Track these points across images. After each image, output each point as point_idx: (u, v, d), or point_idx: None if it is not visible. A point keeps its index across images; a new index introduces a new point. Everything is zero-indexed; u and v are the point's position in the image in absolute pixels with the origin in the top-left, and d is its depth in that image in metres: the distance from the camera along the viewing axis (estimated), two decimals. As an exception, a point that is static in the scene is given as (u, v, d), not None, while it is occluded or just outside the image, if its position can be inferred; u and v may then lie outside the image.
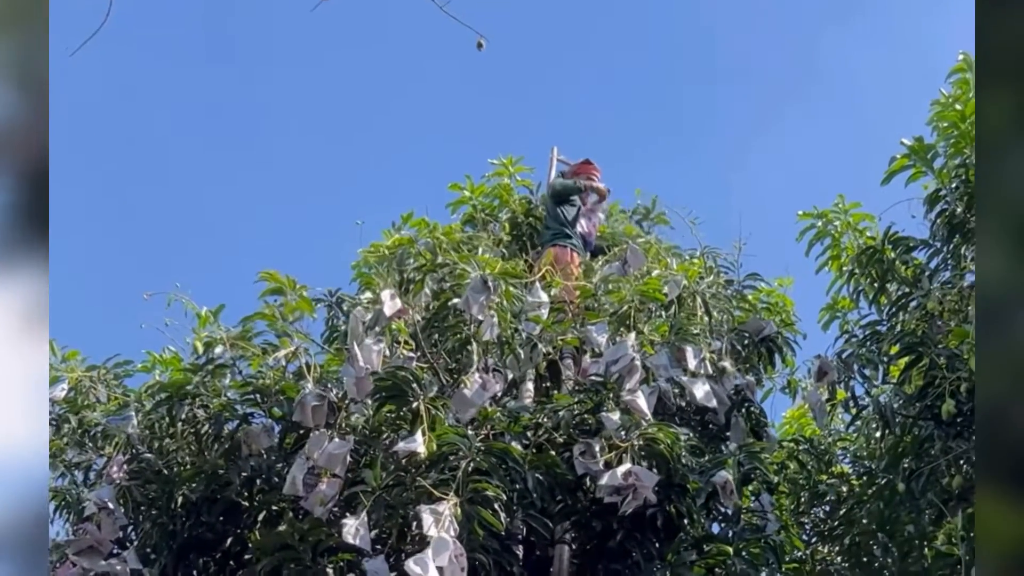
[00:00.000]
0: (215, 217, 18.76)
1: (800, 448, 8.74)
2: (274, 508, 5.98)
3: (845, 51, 18.98)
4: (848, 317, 9.08)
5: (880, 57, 18.87)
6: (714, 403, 6.60)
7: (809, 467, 9.05)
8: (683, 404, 7.12)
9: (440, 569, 5.00)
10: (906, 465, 7.53)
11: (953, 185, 7.82)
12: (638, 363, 6.17)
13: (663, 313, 7.11)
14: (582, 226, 8.46)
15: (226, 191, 18.78)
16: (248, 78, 18.46)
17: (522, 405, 6.51)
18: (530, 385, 7.03)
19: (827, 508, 9.26)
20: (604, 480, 5.66)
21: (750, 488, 7.27)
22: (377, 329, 5.91)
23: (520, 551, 6.22)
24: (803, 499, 9.20)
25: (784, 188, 18.14)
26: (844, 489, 9.07)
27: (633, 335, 6.35)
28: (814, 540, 9.23)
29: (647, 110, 19.32)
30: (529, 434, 6.11)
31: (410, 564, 4.91)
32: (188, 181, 18.61)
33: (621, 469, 5.68)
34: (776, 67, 19.58)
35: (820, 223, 8.91)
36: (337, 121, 18.89)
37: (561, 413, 6.24)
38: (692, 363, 6.56)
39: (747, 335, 7.61)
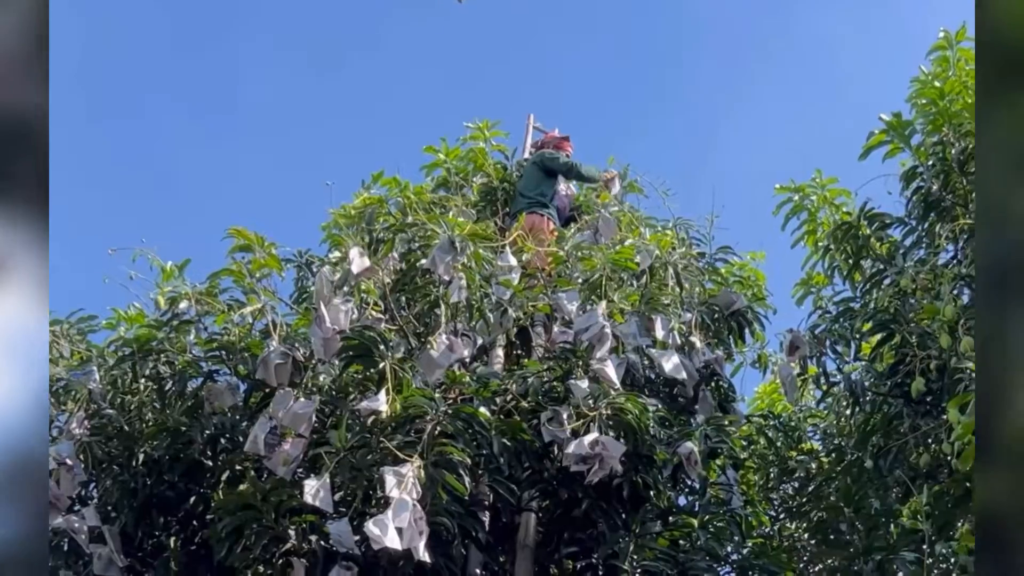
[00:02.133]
0: (187, 173, 18.55)
1: (769, 424, 8.75)
2: (238, 468, 5.92)
3: (821, 19, 18.92)
4: (822, 293, 9.08)
5: (857, 25, 18.83)
6: (683, 375, 6.56)
7: (778, 443, 9.07)
8: (652, 376, 7.11)
9: (399, 531, 4.95)
10: (875, 442, 7.53)
11: (930, 163, 7.79)
12: (608, 331, 6.11)
13: (634, 283, 7.05)
14: (559, 198, 8.41)
15: (199, 147, 18.56)
16: (225, 30, 18.21)
17: (491, 371, 6.46)
18: (500, 352, 6.99)
19: (796, 485, 9.30)
20: (571, 449, 5.61)
21: (717, 463, 7.28)
22: (345, 289, 5.84)
23: (486, 517, 6.18)
24: (772, 475, 9.24)
25: (760, 160, 18.14)
26: (813, 466, 9.09)
27: (604, 303, 6.29)
28: (782, 516, 9.27)
29: (621, 76, 19.24)
30: (497, 400, 6.06)
31: (369, 526, 4.87)
32: (160, 135, 18.38)
33: (588, 438, 5.64)
34: (752, 34, 19.48)
35: (797, 197, 8.88)
36: (312, 79, 18.72)
37: (530, 380, 6.19)
38: (661, 333, 6.52)
39: (717, 308, 7.58)
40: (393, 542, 4.88)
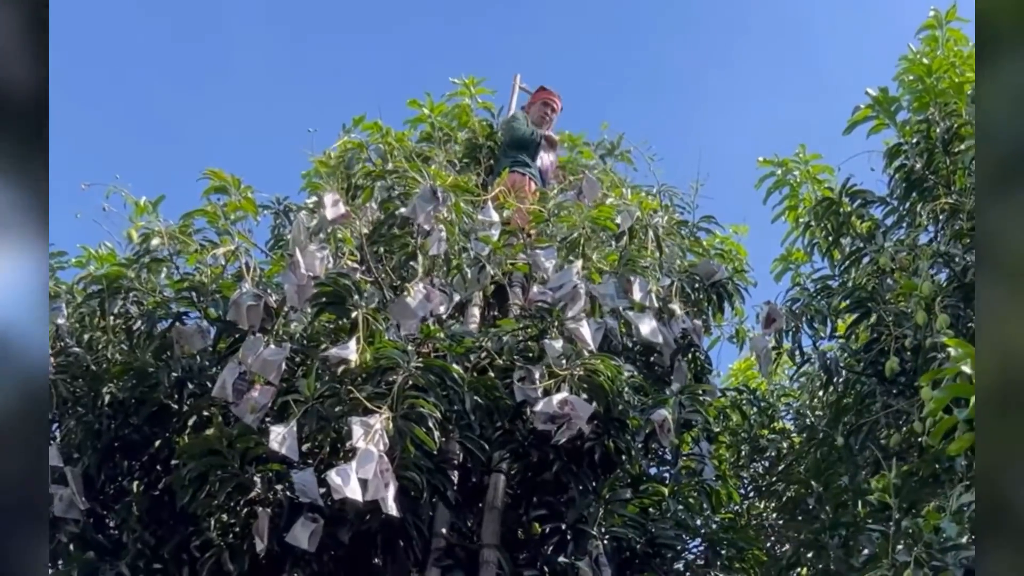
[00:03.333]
0: (169, 118, 18.32)
1: (743, 397, 8.71)
2: (205, 414, 5.82)
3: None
4: (801, 270, 9.06)
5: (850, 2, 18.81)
6: (660, 340, 6.50)
7: (751, 419, 9.05)
8: (630, 344, 7.06)
9: (364, 482, 4.88)
10: (847, 421, 7.52)
11: (915, 140, 7.74)
12: (581, 290, 6.03)
13: (614, 243, 6.98)
14: (541, 159, 8.32)
15: (182, 89, 18.31)
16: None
17: (466, 329, 6.39)
18: (476, 311, 6.91)
19: (767, 463, 9.30)
20: (539, 407, 5.54)
21: (691, 435, 7.26)
22: (322, 236, 5.73)
23: (456, 476, 6.12)
24: (743, 452, 9.22)
25: (748, 133, 18.08)
26: (785, 445, 9.09)
27: (580, 262, 6.20)
28: (752, 495, 9.26)
29: (612, 46, 19.12)
30: (471, 357, 5.98)
31: (331, 475, 4.79)
32: (143, 75, 18.13)
33: (557, 397, 5.56)
34: (743, 8, 19.40)
35: (780, 172, 8.84)
36: (298, 24, 18.50)
37: (505, 338, 6.12)
38: (638, 295, 6.44)
39: (698, 278, 7.52)
40: (354, 493, 4.81)
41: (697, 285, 7.54)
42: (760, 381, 10.17)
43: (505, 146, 8.23)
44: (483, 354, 6.03)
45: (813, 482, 7.78)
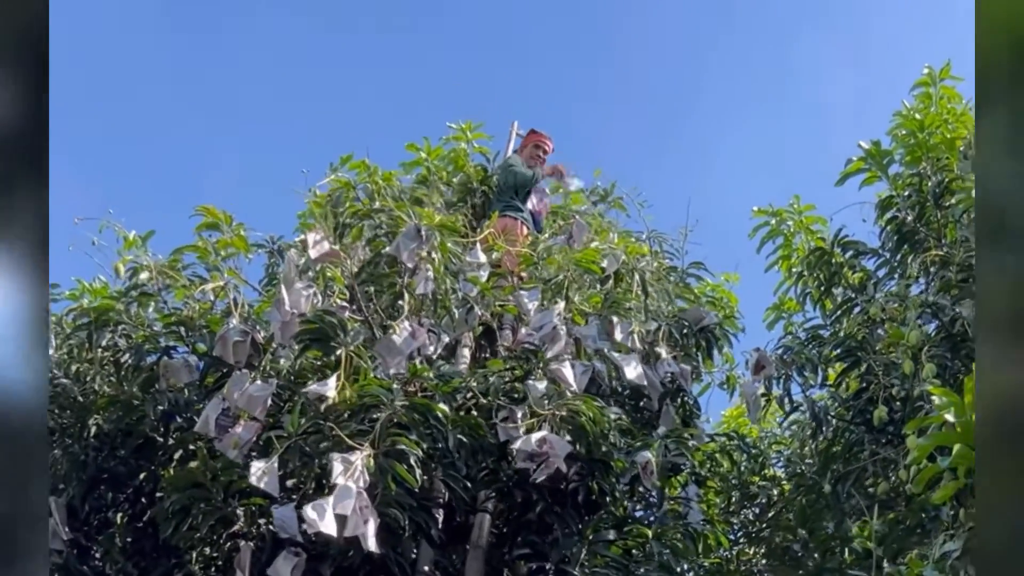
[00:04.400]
0: (170, 156, 18.45)
1: (731, 444, 8.72)
2: (191, 447, 5.86)
3: (815, 50, 19.08)
4: (793, 319, 9.10)
5: (849, 58, 19.00)
6: (645, 383, 6.55)
7: (741, 466, 9.06)
8: (618, 388, 7.10)
9: (342, 518, 4.91)
10: (835, 468, 7.53)
11: (906, 193, 7.81)
12: (562, 331, 6.09)
13: (599, 286, 7.04)
14: (532, 203, 8.39)
15: (184, 128, 18.44)
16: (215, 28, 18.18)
17: (455, 369, 6.43)
18: (467, 352, 6.96)
19: (757, 510, 9.30)
20: (518, 445, 5.59)
21: (680, 479, 7.28)
22: (311, 274, 5.80)
23: (440, 515, 6.14)
24: (734, 499, 9.23)
25: (746, 182, 18.19)
26: (775, 492, 9.09)
27: (562, 304, 6.27)
28: (741, 540, 9.25)
29: (618, 94, 19.31)
30: (458, 397, 6.03)
31: (307, 509, 4.82)
32: (147, 116, 18.29)
33: (536, 436, 5.62)
34: (746, 60, 19.59)
35: (774, 221, 8.90)
36: (302, 68, 18.68)
37: (491, 379, 6.17)
38: (620, 336, 6.49)
39: (686, 323, 7.57)
40: (329, 527, 4.84)
41: (685, 330, 7.59)
42: (751, 428, 10.20)
43: (499, 190, 8.31)
44: (469, 394, 6.09)
45: (800, 529, 7.77)
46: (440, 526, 6.06)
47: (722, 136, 19.40)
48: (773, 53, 19.84)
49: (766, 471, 9.40)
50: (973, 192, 6.91)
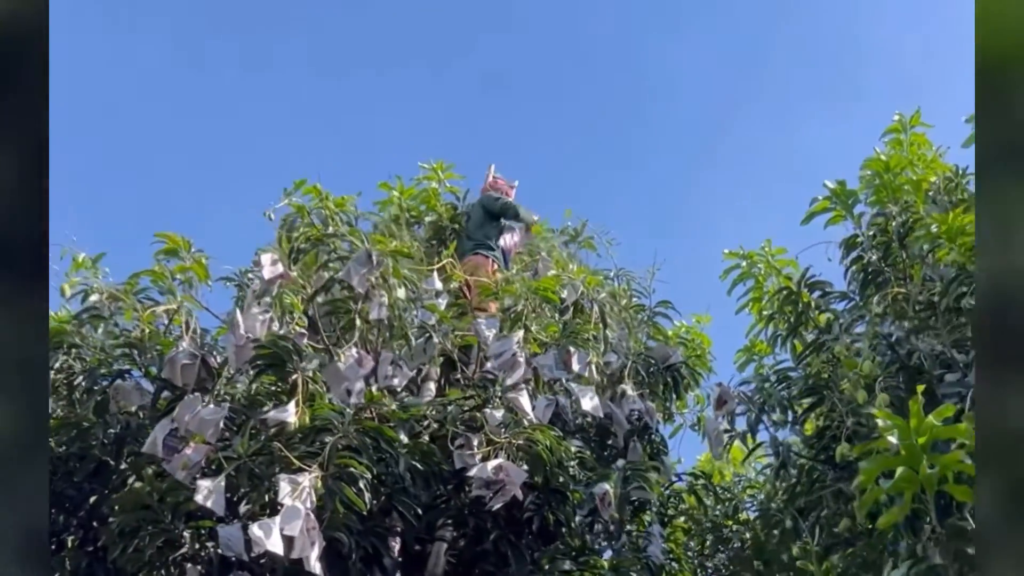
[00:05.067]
0: (154, 181, 18.44)
1: (699, 483, 8.70)
2: (143, 471, 5.86)
3: (786, 89, 19.28)
4: (764, 361, 9.12)
5: (822, 101, 19.19)
6: (601, 414, 6.56)
7: (710, 506, 9.03)
8: (584, 424, 7.12)
9: (290, 539, 4.91)
10: (798, 504, 7.50)
11: (871, 233, 7.85)
12: (521, 359, 6.13)
13: (558, 316, 7.08)
14: (504, 241, 8.47)
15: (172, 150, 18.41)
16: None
17: (417, 400, 6.46)
18: (432, 386, 6.99)
19: (731, 554, 9.24)
20: (474, 471, 5.60)
21: (646, 516, 7.28)
22: (268, 300, 5.84)
23: (397, 544, 6.13)
24: (707, 543, 9.18)
25: (719, 224, 18.29)
26: (748, 536, 9.04)
27: (521, 332, 6.31)
28: (716, 586, 9.19)
29: (590, 139, 19.48)
30: (416, 426, 6.05)
31: (253, 528, 4.82)
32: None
33: (492, 463, 5.63)
34: (718, 102, 19.78)
35: (744, 264, 8.95)
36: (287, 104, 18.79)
37: (450, 408, 6.19)
38: (577, 367, 6.52)
39: (653, 360, 7.61)
40: (276, 547, 4.83)
41: (652, 368, 7.62)
42: (726, 473, 10.19)
43: (470, 228, 8.39)
44: (427, 423, 6.11)
45: (756, 561, 7.74)
46: (395, 555, 6.06)
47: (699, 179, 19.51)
48: (744, 94, 19.99)
49: (740, 515, 9.37)
50: (934, 230, 6.98)
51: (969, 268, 6.73)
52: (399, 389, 6.30)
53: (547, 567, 6.24)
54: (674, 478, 8.36)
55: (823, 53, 19.84)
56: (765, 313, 8.83)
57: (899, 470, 4.80)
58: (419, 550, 6.31)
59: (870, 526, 6.33)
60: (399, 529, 6.07)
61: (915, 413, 4.80)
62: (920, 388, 4.90)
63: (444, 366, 6.93)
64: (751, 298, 9.00)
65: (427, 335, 6.26)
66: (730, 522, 9.22)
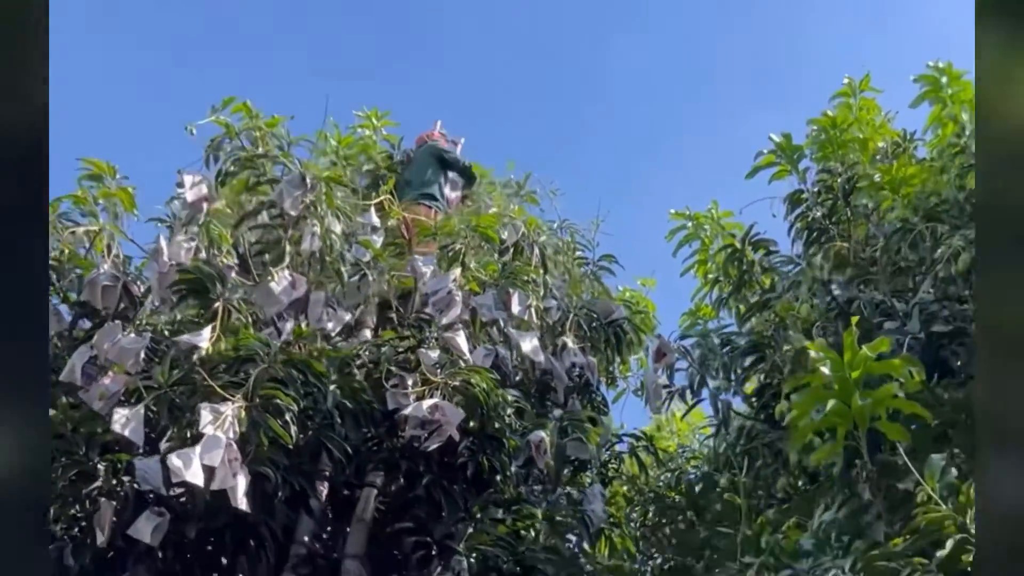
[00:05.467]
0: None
1: (639, 445, 8.56)
2: (57, 400, 5.60)
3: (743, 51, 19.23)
4: (709, 326, 9.01)
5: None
6: (541, 358, 6.38)
7: (650, 474, 8.90)
8: (524, 378, 6.97)
9: (211, 470, 4.71)
10: (736, 463, 7.41)
11: (815, 190, 7.77)
12: (457, 297, 5.94)
13: (497, 256, 6.90)
14: (448, 192, 8.29)
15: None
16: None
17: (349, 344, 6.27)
18: (367, 333, 6.79)
19: (675, 525, 9.13)
20: (408, 410, 5.42)
21: (587, 478, 7.17)
22: (195, 229, 5.61)
23: (325, 488, 5.95)
24: (650, 513, 9.07)
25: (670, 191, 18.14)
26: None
27: (458, 270, 6.11)
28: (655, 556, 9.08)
29: (545, 98, 19.28)
30: (348, 364, 5.86)
31: (172, 457, 4.62)
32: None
33: (427, 402, 5.45)
34: (674, 66, 19.65)
35: (691, 225, 8.84)
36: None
37: (384, 349, 6.01)
38: (517, 309, 6.35)
39: (595, 315, 7.45)
40: (195, 477, 4.64)
41: (595, 323, 7.47)
42: (669, 443, 10.11)
43: (418, 171, 8.18)
44: (359, 362, 5.92)
45: (689, 511, 7.64)
46: (324, 500, 5.88)
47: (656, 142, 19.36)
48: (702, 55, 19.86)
49: (682, 486, 9.26)
50: (877, 179, 6.91)
51: (913, 220, 6.68)
52: (333, 335, 6.10)
53: (479, 515, 6.07)
54: (613, 439, 8.24)
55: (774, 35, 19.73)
56: (710, 276, 8.74)
57: (831, 403, 4.69)
58: (348, 495, 6.13)
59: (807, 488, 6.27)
60: (327, 473, 5.88)
61: (849, 346, 4.69)
62: (855, 320, 4.79)
63: (379, 309, 6.72)
64: (697, 260, 8.90)
65: (361, 273, 6.06)
66: (673, 493, 9.11)
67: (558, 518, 6.49)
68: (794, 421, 4.88)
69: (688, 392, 7.56)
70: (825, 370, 4.66)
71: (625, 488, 9.05)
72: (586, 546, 7.00)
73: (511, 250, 6.88)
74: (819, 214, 7.70)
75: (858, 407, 4.66)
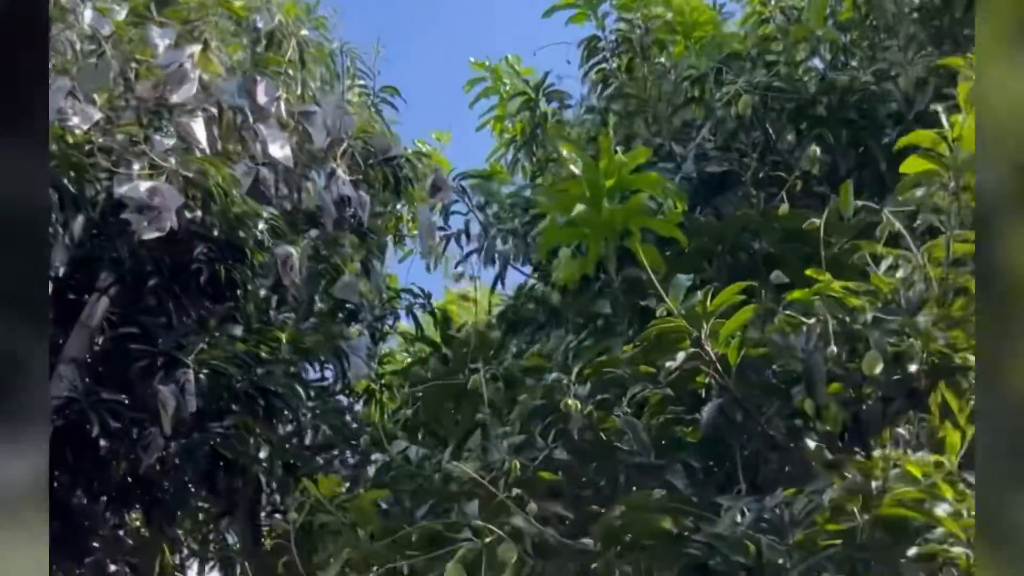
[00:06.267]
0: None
1: (416, 302, 8.21)
2: None
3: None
4: (503, 191, 8.69)
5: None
6: (291, 163, 5.88)
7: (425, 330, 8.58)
8: (290, 208, 6.49)
9: None
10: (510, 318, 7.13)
11: (613, 38, 7.42)
12: (193, 76, 5.36)
13: (248, 43, 6.34)
14: None
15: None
16: None
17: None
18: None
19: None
20: (124, 190, 4.88)
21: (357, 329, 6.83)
22: None
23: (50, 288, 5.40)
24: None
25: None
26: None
27: (198, 47, 5.50)
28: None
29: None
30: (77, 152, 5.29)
31: None
32: None
33: (146, 184, 4.92)
34: None
35: (490, 77, 8.44)
36: None
37: (119, 137, 5.43)
38: (263, 99, 5.77)
39: (372, 149, 6.99)
40: None
41: (371, 160, 7.02)
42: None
43: None
44: (89, 147, 5.34)
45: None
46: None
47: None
48: None
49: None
50: (669, 18, 6.63)
51: (707, 63, 6.44)
52: (79, 131, 5.47)
53: (216, 330, 5.60)
54: (391, 293, 7.89)
55: None
56: (507, 136, 8.39)
57: (578, 207, 4.38)
58: (74, 299, 5.60)
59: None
60: (55, 275, 5.33)
61: (605, 150, 4.35)
62: (612, 123, 4.49)
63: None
64: (496, 116, 8.53)
65: (100, 50, 5.44)
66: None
67: (305, 345, 6.04)
68: (543, 229, 4.58)
69: (464, 236, 7.26)
70: (576, 169, 4.34)
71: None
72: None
73: (264, 43, 6.28)
74: (615, 65, 7.37)
75: (608, 213, 4.37)
